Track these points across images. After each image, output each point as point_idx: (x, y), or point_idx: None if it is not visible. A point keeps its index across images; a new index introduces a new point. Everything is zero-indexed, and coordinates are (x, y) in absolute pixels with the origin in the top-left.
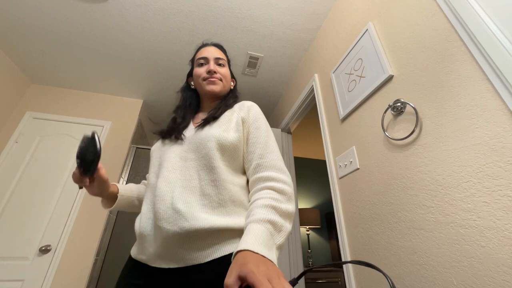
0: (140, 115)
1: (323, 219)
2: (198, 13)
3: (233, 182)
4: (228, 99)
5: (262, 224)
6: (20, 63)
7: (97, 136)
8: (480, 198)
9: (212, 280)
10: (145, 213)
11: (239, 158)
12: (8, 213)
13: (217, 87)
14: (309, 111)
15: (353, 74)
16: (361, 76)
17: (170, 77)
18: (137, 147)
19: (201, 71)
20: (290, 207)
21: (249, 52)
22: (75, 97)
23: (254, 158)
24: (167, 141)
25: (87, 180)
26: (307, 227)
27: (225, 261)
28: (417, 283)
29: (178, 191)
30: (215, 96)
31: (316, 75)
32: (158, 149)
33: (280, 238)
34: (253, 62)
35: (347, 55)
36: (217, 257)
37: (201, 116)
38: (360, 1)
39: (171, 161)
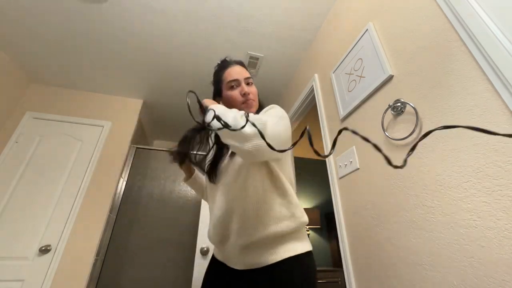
0: (140, 115)
1: (323, 219)
2: (198, 13)
3: None
4: None
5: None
6: (20, 62)
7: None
8: (480, 198)
9: (273, 279)
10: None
11: None
12: (8, 213)
13: (254, 110)
14: (309, 111)
15: (353, 74)
16: (361, 76)
17: (170, 77)
18: (137, 147)
19: (236, 94)
20: (249, 130)
21: (249, 52)
22: (75, 97)
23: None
24: None
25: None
26: (307, 227)
27: (283, 265)
28: (417, 283)
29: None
30: None
31: (316, 75)
32: None
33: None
34: (253, 62)
35: (347, 55)
36: (274, 261)
37: None
38: (360, 1)
39: None
